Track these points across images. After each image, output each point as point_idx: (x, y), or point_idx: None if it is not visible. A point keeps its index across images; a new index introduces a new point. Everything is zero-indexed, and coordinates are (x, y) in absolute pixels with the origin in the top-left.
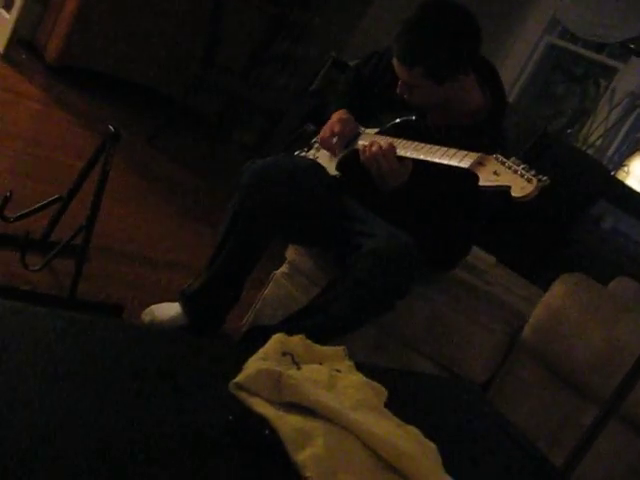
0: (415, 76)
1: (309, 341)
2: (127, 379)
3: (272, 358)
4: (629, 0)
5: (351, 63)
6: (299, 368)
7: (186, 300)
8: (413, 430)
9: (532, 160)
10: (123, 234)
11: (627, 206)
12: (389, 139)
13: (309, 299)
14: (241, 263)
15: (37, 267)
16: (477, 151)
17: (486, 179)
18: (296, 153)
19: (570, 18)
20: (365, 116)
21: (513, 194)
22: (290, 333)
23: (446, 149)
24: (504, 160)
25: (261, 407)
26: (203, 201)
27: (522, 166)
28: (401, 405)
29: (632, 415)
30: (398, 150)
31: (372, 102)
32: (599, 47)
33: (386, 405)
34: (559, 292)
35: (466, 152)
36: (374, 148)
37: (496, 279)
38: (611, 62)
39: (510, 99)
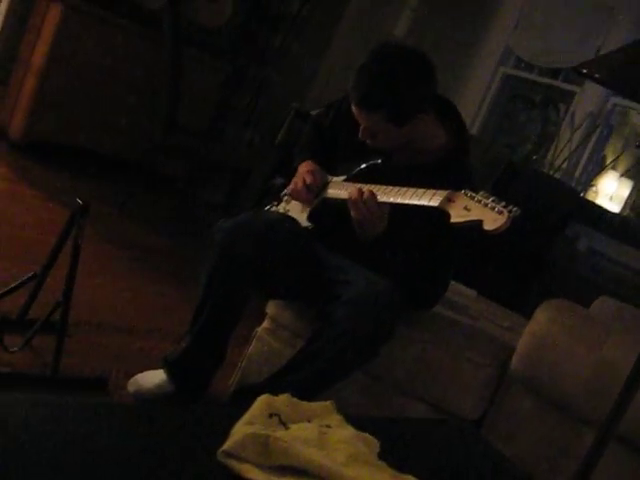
0: (376, 121)
1: (295, 399)
2: (113, 459)
3: (259, 421)
4: (577, 26)
5: (312, 112)
6: (287, 428)
7: (170, 366)
8: None
9: (501, 190)
10: (101, 305)
11: (600, 225)
12: (369, 186)
13: (293, 353)
14: (222, 323)
15: (16, 348)
16: (445, 188)
17: (457, 215)
18: (266, 208)
19: (522, 47)
20: (331, 164)
21: (485, 227)
22: (278, 390)
23: (415, 189)
24: (473, 195)
25: (251, 473)
26: (178, 264)
27: (491, 199)
28: (395, 454)
29: (631, 435)
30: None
31: (336, 150)
32: (554, 73)
33: (380, 456)
34: (542, 319)
35: (435, 190)
36: (355, 196)
37: (479, 312)
38: (568, 86)
39: (473, 132)
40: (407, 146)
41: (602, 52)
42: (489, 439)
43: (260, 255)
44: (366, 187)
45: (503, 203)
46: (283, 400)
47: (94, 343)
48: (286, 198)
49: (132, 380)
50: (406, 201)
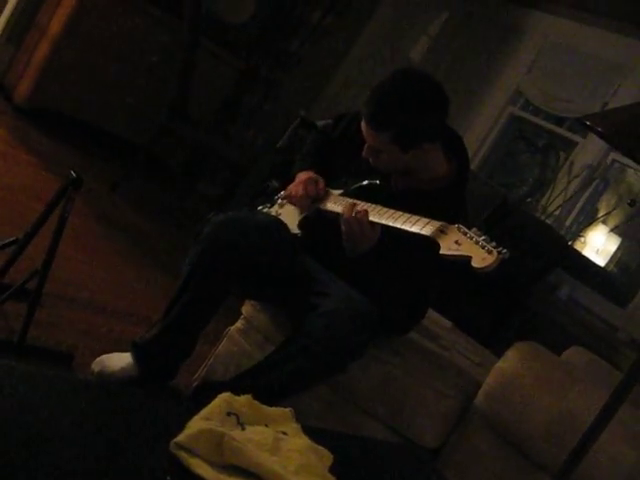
0: (382, 141)
1: (256, 402)
2: (65, 433)
3: (216, 418)
4: (588, 77)
5: (318, 123)
6: (243, 429)
7: (138, 350)
8: None
9: (491, 227)
10: (79, 281)
11: (583, 276)
12: (363, 204)
13: (263, 356)
14: (196, 316)
15: None
16: (439, 218)
17: (447, 248)
18: (259, 208)
19: (532, 91)
20: (329, 177)
21: (474, 264)
22: (241, 391)
23: (409, 215)
24: (466, 230)
25: (201, 469)
26: (163, 251)
27: (483, 237)
28: (347, 470)
29: None
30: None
31: (336, 164)
32: (559, 120)
33: (331, 470)
34: (512, 360)
35: (428, 220)
36: (347, 211)
37: (451, 344)
38: (571, 136)
39: (472, 166)
40: (408, 171)
41: (608, 107)
42: (443, 470)
43: (246, 253)
44: (361, 204)
45: (494, 243)
46: (243, 401)
47: (65, 317)
48: (280, 202)
49: (98, 360)
50: (398, 225)
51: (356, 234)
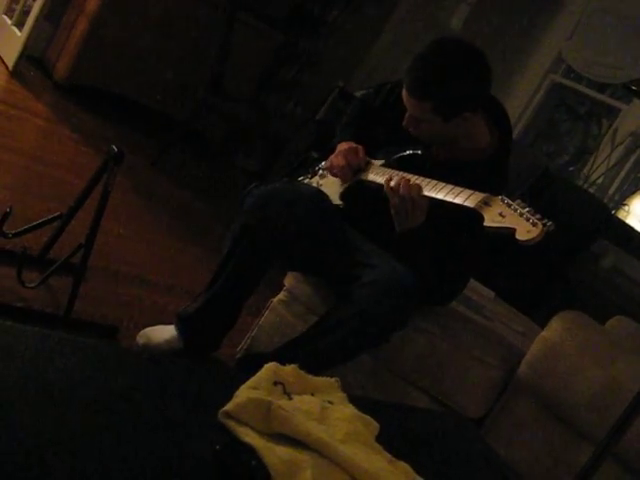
0: (423, 110)
1: (302, 371)
2: (116, 403)
3: (263, 387)
4: (633, 42)
5: (357, 93)
6: (290, 398)
7: (182, 322)
8: (403, 466)
9: (534, 197)
10: (122, 255)
11: (627, 245)
12: (410, 176)
13: (306, 327)
14: (240, 287)
15: (33, 284)
16: (481, 189)
17: (491, 220)
18: (300, 179)
19: (574, 57)
20: (370, 147)
21: (518, 237)
22: (285, 361)
23: (452, 187)
24: (510, 202)
25: (250, 437)
26: (204, 225)
27: (527, 209)
28: (393, 439)
29: (627, 455)
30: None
31: (378, 133)
32: (602, 87)
33: (377, 439)
34: (556, 329)
35: (472, 191)
36: (399, 185)
37: (494, 314)
38: (614, 102)
39: (513, 135)
40: (449, 141)
41: None
42: (486, 439)
43: (288, 224)
44: (410, 177)
45: (538, 215)
46: (289, 371)
47: (109, 291)
48: (321, 173)
49: (142, 332)
50: (441, 197)
51: (409, 210)
